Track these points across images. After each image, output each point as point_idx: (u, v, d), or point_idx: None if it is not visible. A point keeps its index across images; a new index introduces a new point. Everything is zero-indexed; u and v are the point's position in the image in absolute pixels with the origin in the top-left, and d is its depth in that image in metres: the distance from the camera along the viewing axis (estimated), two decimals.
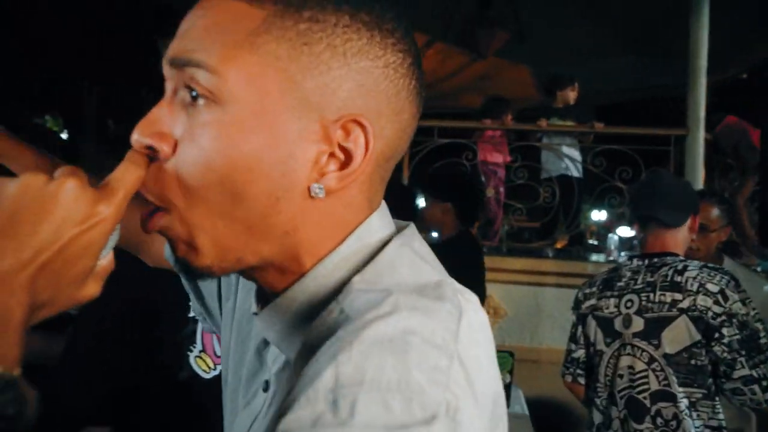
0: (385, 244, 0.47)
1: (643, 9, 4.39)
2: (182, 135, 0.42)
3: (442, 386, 0.35)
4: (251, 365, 0.54)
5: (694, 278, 1.49)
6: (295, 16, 0.42)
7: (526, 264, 3.53)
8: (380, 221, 0.48)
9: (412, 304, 0.39)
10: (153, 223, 0.44)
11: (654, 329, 1.54)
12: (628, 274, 1.65)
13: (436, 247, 0.59)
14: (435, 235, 2.76)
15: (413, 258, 0.46)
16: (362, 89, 0.43)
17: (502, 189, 4.06)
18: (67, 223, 0.37)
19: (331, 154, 0.43)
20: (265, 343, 0.53)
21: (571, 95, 4.00)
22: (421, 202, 3.27)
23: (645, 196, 1.68)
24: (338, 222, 0.46)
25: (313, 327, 0.44)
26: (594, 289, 1.72)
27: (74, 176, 0.38)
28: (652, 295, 1.55)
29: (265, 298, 0.51)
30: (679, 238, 1.63)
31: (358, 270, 0.45)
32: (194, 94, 0.42)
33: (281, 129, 0.42)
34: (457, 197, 2.39)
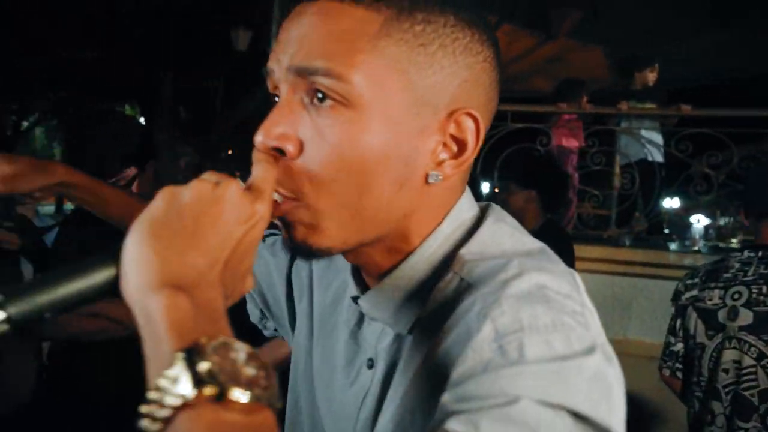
0: (479, 220, 0.52)
1: None
2: (309, 135, 0.45)
3: (585, 326, 0.40)
4: (347, 350, 0.57)
5: None
6: (410, 18, 0.45)
7: (603, 252, 3.41)
8: (468, 202, 0.53)
9: (534, 265, 0.44)
10: (280, 210, 0.47)
11: (765, 323, 1.46)
12: (737, 265, 1.57)
13: None
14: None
15: (511, 230, 0.51)
16: (468, 84, 0.47)
17: (576, 175, 3.93)
18: (237, 223, 0.40)
19: (445, 144, 0.48)
20: (359, 326, 0.57)
21: (651, 77, 3.81)
22: (485, 188, 3.22)
23: (766, 185, 1.58)
24: (442, 204, 0.51)
25: (431, 299, 0.49)
26: (696, 280, 1.64)
27: (233, 181, 0.41)
28: (765, 287, 1.47)
29: (363, 283, 0.55)
30: None
31: (460, 245, 0.50)
32: (320, 96, 0.44)
33: (404, 126, 0.45)
34: (543, 184, 2.26)
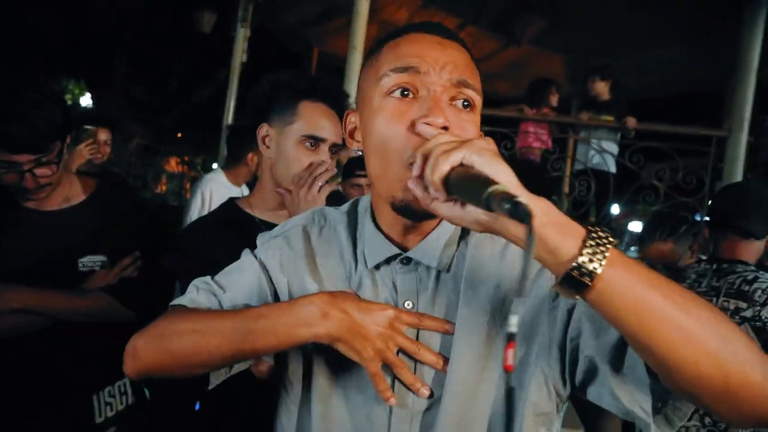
0: None
1: None
2: (453, 123, 0.67)
3: None
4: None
5: (764, 290, 1.45)
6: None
7: None
8: None
9: None
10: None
11: None
12: (693, 276, 1.62)
13: None
14: None
15: None
16: None
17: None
18: None
19: None
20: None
21: (605, 88, 3.91)
22: None
23: (732, 203, 1.63)
24: None
25: (459, 247, 0.76)
26: None
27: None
28: (715, 299, 1.52)
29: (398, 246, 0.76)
30: (754, 248, 1.60)
31: None
32: (466, 103, 0.70)
33: None
34: (540, 193, 2.28)
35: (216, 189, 2.82)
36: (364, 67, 0.77)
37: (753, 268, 1.56)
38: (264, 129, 1.30)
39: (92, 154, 2.86)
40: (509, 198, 0.48)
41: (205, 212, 2.56)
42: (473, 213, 0.56)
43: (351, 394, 0.75)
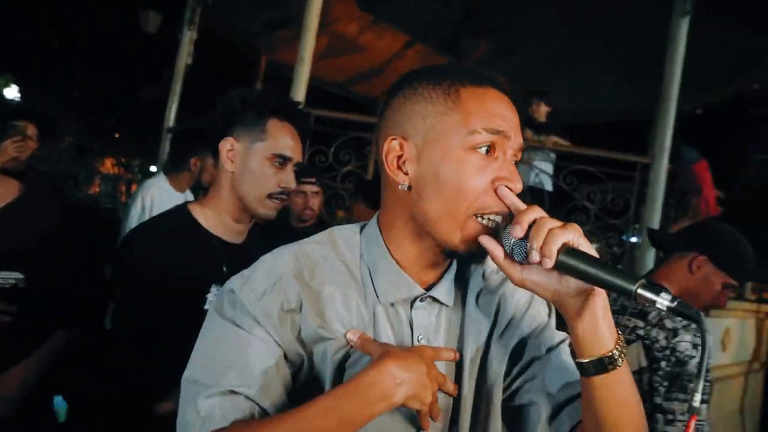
0: None
1: (629, 32, 4.56)
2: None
3: None
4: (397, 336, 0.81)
5: (658, 313, 1.58)
6: None
7: None
8: None
9: None
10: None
11: None
12: (614, 294, 1.75)
13: None
14: None
15: None
16: None
17: None
18: None
19: None
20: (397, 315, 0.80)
21: (543, 110, 4.11)
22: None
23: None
24: None
25: (465, 282, 0.85)
26: None
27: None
28: (620, 317, 1.65)
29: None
30: (674, 271, 1.68)
31: None
32: (516, 163, 0.76)
33: None
34: None
35: (158, 194, 2.75)
36: (421, 93, 0.76)
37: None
38: (229, 143, 1.31)
39: (19, 151, 2.72)
40: (672, 300, 0.60)
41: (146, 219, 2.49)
42: (572, 285, 0.67)
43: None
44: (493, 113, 0.73)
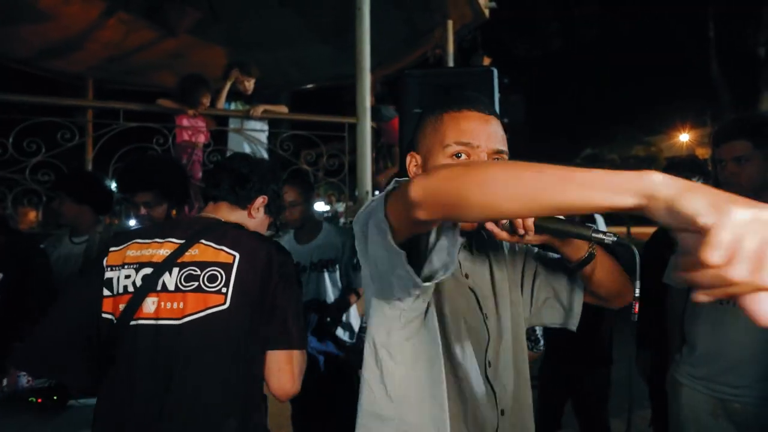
0: None
1: (330, 3, 4.84)
2: None
3: None
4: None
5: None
6: None
7: None
8: None
9: None
10: None
11: None
12: None
13: None
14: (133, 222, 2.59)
15: None
16: None
17: (199, 174, 4.03)
18: None
19: None
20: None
21: (248, 83, 4.12)
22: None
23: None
24: None
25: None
26: None
27: None
28: None
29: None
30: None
31: None
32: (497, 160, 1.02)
33: None
34: (165, 186, 2.20)
35: None
36: (425, 121, 1.09)
37: None
38: None
39: None
40: (611, 236, 0.93)
41: None
42: (542, 239, 1.02)
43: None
44: (464, 130, 1.02)
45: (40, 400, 1.77)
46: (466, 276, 1.11)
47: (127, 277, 1.36)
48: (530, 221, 0.95)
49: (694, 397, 1.90)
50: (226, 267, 1.36)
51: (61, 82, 6.24)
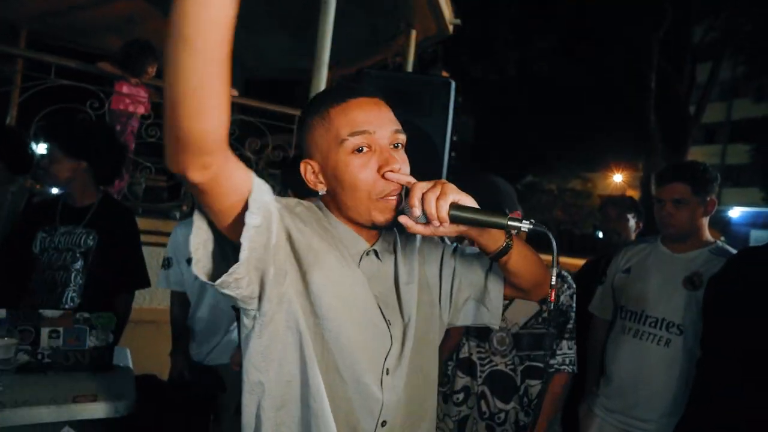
0: None
1: None
2: (400, 162, 1.00)
3: None
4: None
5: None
6: None
7: (154, 225, 3.45)
8: None
9: None
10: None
11: None
12: None
13: None
14: (55, 190, 2.39)
15: None
16: None
17: (133, 144, 3.81)
18: None
19: None
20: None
21: (151, 70, 3.88)
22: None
23: None
24: None
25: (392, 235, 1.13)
26: None
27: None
28: None
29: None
30: None
31: None
32: (398, 145, 1.01)
33: None
34: (95, 155, 2.08)
35: None
36: (310, 124, 1.01)
37: None
38: None
39: None
40: (527, 223, 0.91)
41: None
42: (458, 230, 0.97)
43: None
44: (356, 119, 0.96)
45: None
46: (371, 283, 1.03)
47: None
48: (444, 211, 0.90)
49: (604, 429, 1.96)
50: None
51: None
